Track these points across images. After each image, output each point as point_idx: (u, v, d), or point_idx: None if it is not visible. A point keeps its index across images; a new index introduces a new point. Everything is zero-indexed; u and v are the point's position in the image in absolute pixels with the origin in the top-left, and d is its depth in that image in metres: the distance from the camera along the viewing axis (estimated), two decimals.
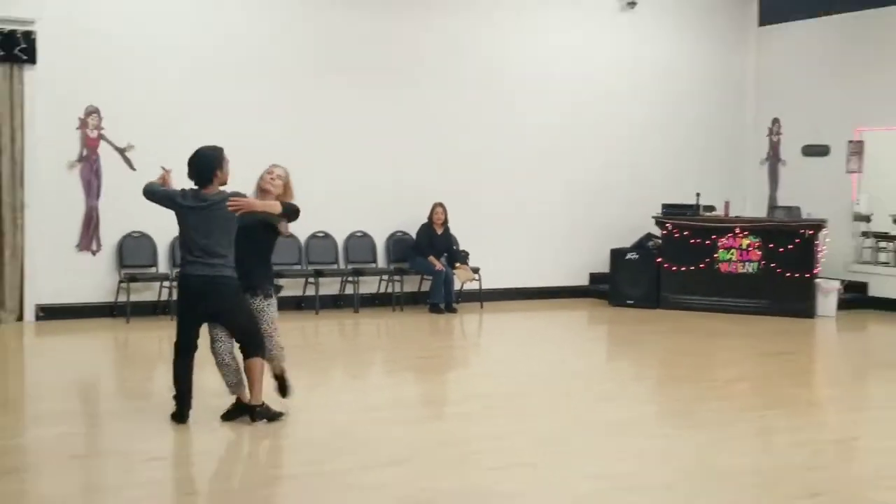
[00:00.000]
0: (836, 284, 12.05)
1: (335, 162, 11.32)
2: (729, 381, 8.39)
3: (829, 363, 9.96)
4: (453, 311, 11.46)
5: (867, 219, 13.17)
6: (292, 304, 10.97)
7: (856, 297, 12.56)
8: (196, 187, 5.95)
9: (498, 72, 12.38)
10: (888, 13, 11.95)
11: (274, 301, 6.34)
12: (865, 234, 13.28)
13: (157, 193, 6.08)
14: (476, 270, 11.75)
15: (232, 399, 6.23)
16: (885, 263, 13.15)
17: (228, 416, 6.21)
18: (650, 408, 7.51)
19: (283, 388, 6.51)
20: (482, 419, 6.61)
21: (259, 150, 8.38)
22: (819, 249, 11.87)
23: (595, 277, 13.09)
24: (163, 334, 9.42)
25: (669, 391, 8.16)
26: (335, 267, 11.45)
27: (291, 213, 6.08)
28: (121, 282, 10.31)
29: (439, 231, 11.70)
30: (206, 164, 5.89)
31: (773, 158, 13.71)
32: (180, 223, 5.97)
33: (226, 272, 5.89)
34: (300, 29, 11.34)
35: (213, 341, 6.10)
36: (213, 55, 10.79)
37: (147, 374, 8.18)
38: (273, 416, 6.14)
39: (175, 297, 7.44)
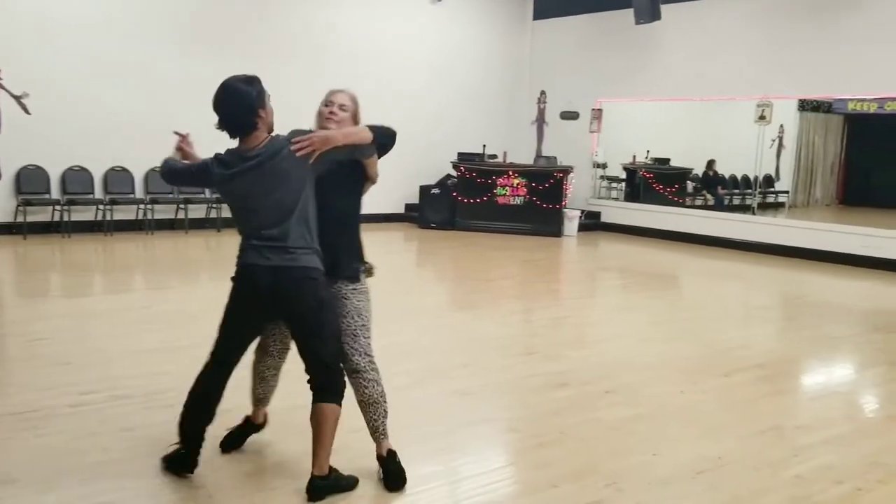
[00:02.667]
0: (578, 213, 12.78)
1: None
2: (497, 279, 9.04)
3: (568, 268, 10.73)
4: None
5: (603, 166, 14.10)
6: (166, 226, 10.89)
7: (593, 223, 13.32)
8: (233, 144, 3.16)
9: (332, 45, 12.26)
10: (621, 14, 12.60)
11: (365, 287, 3.49)
12: (603, 178, 14.24)
13: (178, 172, 3.37)
14: None
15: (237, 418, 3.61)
16: (615, 199, 14.18)
17: (233, 441, 3.58)
18: (440, 298, 8.06)
19: (390, 475, 3.32)
20: None
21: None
22: (567, 187, 12.56)
23: (409, 207, 13.39)
24: (54, 248, 9.29)
25: (455, 286, 8.75)
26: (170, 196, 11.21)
27: (388, 138, 3.31)
28: (18, 206, 9.94)
29: None
30: (241, 103, 3.05)
31: (540, 120, 14.26)
32: (228, 200, 3.23)
33: (310, 261, 3.13)
34: None
35: (262, 352, 3.49)
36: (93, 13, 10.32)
37: (43, 277, 8.09)
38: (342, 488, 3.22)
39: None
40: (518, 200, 12.52)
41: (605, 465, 3.61)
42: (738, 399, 4.75)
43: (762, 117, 11.57)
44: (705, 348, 6.00)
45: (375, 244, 11.36)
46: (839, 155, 17.34)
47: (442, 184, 12.93)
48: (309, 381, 3.15)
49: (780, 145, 14.37)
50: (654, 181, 13.81)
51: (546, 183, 12.43)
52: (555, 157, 13.01)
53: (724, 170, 14.10)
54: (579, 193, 13.36)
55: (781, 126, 14.05)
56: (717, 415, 4.44)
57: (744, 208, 13.06)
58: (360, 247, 3.43)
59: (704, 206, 13.66)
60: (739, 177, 14.16)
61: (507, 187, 12.51)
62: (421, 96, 13.36)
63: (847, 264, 10.43)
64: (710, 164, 14.26)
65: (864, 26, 10.42)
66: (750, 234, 11.76)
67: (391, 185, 13.12)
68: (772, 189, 15.91)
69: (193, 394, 3.25)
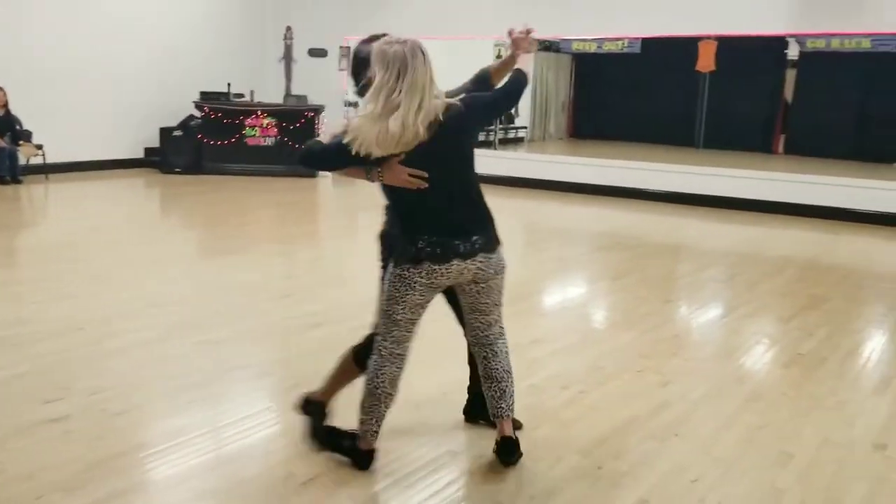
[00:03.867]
0: None
1: None
2: (250, 223, 8.86)
3: (325, 208, 10.81)
4: (19, 182, 10.49)
5: (355, 104, 14.12)
6: None
7: None
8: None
9: None
10: None
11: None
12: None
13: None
14: (39, 147, 10.81)
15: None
16: None
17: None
18: (189, 246, 7.75)
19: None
20: (37, 265, 6.36)
21: None
22: (319, 127, 12.48)
23: (149, 151, 12.58)
24: None
25: (205, 233, 8.43)
26: None
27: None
28: None
29: (1, 112, 10.53)
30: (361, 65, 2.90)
31: (288, 58, 13.91)
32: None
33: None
34: None
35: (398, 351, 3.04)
36: None
37: None
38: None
39: None
40: (269, 141, 12.24)
41: (359, 397, 3.74)
42: None
43: (499, 56, 12.15)
44: None
45: (112, 192, 10.88)
46: (569, 91, 18.85)
47: (185, 125, 12.27)
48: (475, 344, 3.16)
49: None
50: None
51: (297, 122, 12.26)
52: (305, 96, 12.84)
53: None
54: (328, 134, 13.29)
55: None
56: (461, 340, 4.76)
57: (486, 144, 13.78)
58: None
59: None
60: None
61: (257, 128, 12.18)
62: (155, 29, 12.48)
63: (580, 192, 11.49)
64: None
65: None
66: (494, 168, 12.47)
67: (126, 128, 12.36)
68: (512, 125, 17.00)
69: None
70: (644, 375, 4.25)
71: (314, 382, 3.63)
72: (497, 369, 3.09)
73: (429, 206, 2.83)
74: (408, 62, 2.67)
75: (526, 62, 3.07)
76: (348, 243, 8.14)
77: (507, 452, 3.10)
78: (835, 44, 10.23)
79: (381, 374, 2.99)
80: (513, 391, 3.12)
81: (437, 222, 2.85)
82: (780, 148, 15.92)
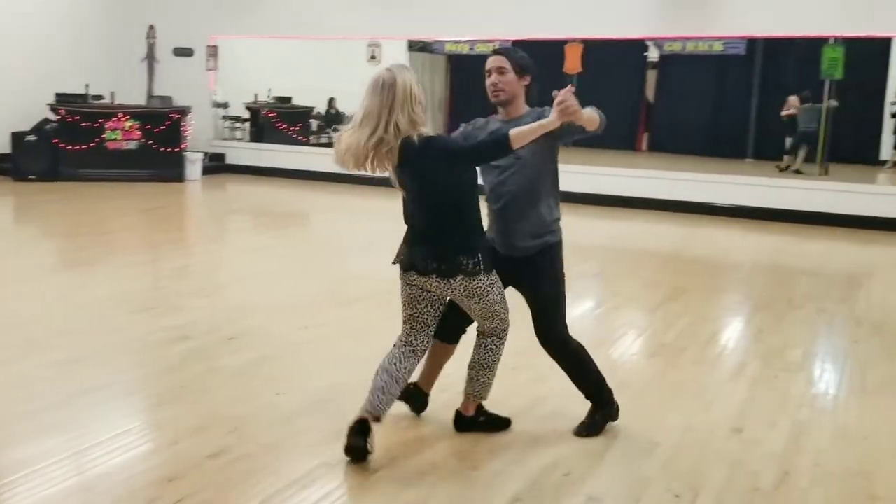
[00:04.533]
0: (200, 155, 12.33)
1: None
2: (112, 231, 8.39)
3: (193, 213, 10.42)
4: None
5: (225, 105, 13.75)
6: None
7: (217, 165, 12.94)
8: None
9: None
10: None
11: None
12: (225, 118, 13.90)
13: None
14: None
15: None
16: (240, 139, 13.98)
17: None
18: (45, 259, 7.24)
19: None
20: None
21: None
22: (185, 129, 12.02)
23: None
24: None
25: (63, 244, 7.93)
26: None
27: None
28: None
29: None
30: None
31: (151, 57, 13.34)
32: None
33: None
34: None
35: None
36: None
37: None
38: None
39: None
40: (132, 145, 11.65)
41: (228, 413, 3.61)
42: (357, 327, 5.05)
43: (373, 57, 12.14)
44: (330, 282, 6.26)
45: None
46: (445, 92, 19.03)
47: (39, 129, 11.50)
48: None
49: None
50: (277, 120, 13.83)
51: (162, 125, 11.73)
52: (170, 97, 12.30)
53: (344, 108, 14.64)
54: (201, 135, 12.86)
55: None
56: (339, 345, 4.69)
57: None
58: None
59: (329, 144, 14.08)
60: None
61: (118, 131, 11.57)
62: (4, 27, 11.64)
63: None
64: (331, 102, 14.72)
65: None
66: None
67: None
68: None
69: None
70: (518, 373, 4.31)
71: (179, 397, 3.48)
72: (472, 358, 3.47)
73: (405, 218, 3.27)
74: (368, 91, 3.02)
75: (584, 120, 3.18)
76: (218, 249, 7.87)
77: (456, 424, 3.52)
78: (690, 47, 10.79)
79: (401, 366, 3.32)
80: (485, 382, 3.45)
81: (407, 235, 3.27)
82: (644, 145, 16.66)
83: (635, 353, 4.82)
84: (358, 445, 3.12)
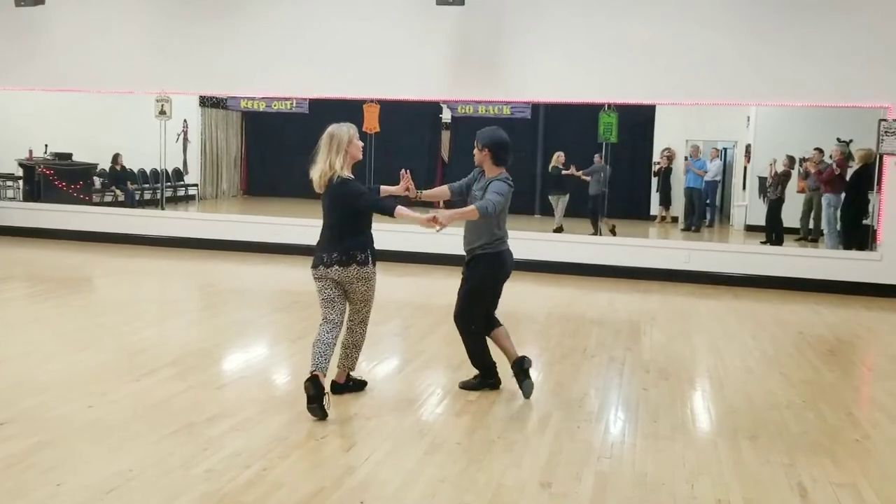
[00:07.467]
0: None
1: None
2: None
3: None
4: None
5: None
6: None
7: None
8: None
9: None
10: None
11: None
12: None
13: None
14: None
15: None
16: (13, 199, 12.74)
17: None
18: None
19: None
20: None
21: None
22: None
23: None
24: None
25: None
26: None
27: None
28: None
29: None
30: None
31: None
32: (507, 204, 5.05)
33: None
34: None
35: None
36: None
37: None
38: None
39: None
40: None
41: None
42: (149, 403, 4.64)
43: (163, 112, 11.57)
44: (118, 353, 5.74)
45: None
46: (240, 148, 18.57)
47: None
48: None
49: (186, 139, 14.67)
50: (56, 178, 12.77)
51: None
52: None
53: (131, 164, 13.79)
54: None
55: (185, 121, 14.33)
56: (129, 424, 4.26)
57: (155, 203, 12.96)
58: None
59: (114, 203, 13.17)
60: (148, 171, 14.01)
61: None
62: None
63: (255, 251, 11.21)
64: (116, 158, 13.80)
65: (240, 29, 11.24)
66: (162, 229, 11.73)
67: None
68: (182, 182, 16.20)
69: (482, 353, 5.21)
70: (328, 441, 4.14)
71: None
72: (345, 340, 4.86)
73: (321, 230, 4.74)
74: (322, 140, 4.68)
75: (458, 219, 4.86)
76: None
77: (332, 389, 4.80)
78: (481, 109, 11.30)
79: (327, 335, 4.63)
80: (355, 357, 4.94)
81: (320, 241, 4.72)
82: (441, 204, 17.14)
83: (443, 412, 4.80)
84: (317, 395, 4.32)
